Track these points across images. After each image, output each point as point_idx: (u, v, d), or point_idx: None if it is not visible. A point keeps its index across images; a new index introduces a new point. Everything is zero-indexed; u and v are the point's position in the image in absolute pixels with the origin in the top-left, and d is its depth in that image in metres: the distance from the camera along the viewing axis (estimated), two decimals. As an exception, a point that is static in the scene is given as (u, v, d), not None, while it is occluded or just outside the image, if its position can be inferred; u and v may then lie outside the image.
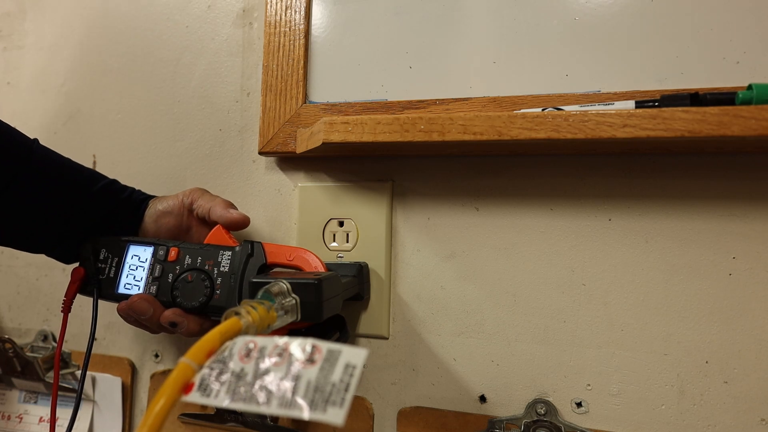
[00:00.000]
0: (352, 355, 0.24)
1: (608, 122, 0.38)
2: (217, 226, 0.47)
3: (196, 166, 0.59)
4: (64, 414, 0.59)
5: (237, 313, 0.29)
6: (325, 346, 0.25)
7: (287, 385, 0.24)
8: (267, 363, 0.25)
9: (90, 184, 0.48)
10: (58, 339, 0.50)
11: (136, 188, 0.52)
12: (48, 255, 0.49)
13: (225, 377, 0.25)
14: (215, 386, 0.25)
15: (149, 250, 0.47)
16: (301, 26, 0.54)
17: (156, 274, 0.46)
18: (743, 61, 0.43)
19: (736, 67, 0.43)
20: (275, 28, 0.55)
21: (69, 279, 0.48)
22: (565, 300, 0.46)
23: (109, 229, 0.49)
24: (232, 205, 0.49)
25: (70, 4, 0.67)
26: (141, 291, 0.46)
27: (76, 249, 0.49)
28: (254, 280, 0.38)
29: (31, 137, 0.48)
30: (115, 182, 0.51)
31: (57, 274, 0.64)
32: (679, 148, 0.43)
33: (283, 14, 0.55)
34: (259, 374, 0.25)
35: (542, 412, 0.46)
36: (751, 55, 0.43)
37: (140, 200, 0.51)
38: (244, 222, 0.47)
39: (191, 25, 0.61)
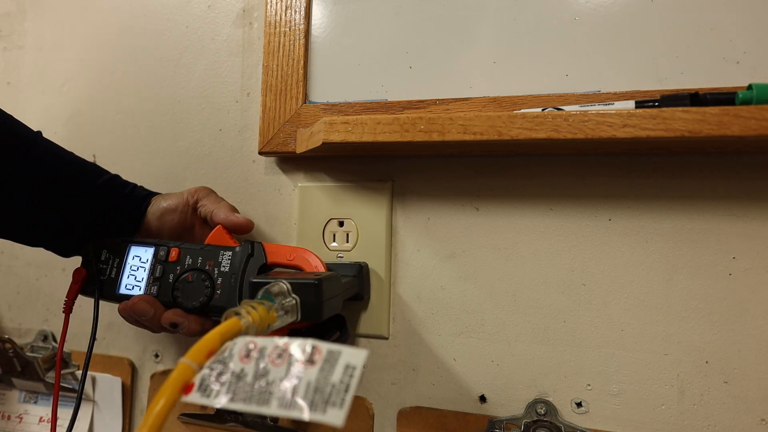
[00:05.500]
0: (352, 355, 0.24)
1: (608, 122, 0.38)
2: (218, 226, 0.47)
3: (196, 166, 0.59)
4: (64, 414, 0.59)
5: (237, 314, 0.29)
6: (325, 346, 0.25)
7: (287, 385, 0.24)
8: (267, 363, 0.25)
9: (93, 178, 0.48)
10: (59, 339, 0.51)
11: (138, 185, 0.52)
12: (47, 248, 0.49)
13: (225, 378, 0.25)
14: (215, 387, 0.25)
15: (150, 250, 0.47)
16: (301, 26, 0.54)
17: (157, 275, 0.46)
18: (743, 61, 0.43)
19: (736, 67, 0.43)
20: (275, 28, 0.55)
21: (69, 279, 0.48)
22: (565, 300, 0.46)
23: (111, 223, 0.49)
24: (236, 210, 0.49)
25: (70, 4, 0.67)
26: (142, 291, 0.46)
27: (76, 242, 0.49)
28: (254, 280, 0.38)
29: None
30: (117, 177, 0.51)
31: (57, 274, 0.64)
32: (679, 148, 0.43)
33: (283, 14, 0.55)
34: (259, 375, 0.25)
35: (542, 412, 0.46)
36: (751, 55, 0.43)
37: (142, 196, 0.51)
38: (247, 226, 0.48)
39: (191, 25, 0.61)
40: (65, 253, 0.50)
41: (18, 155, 0.44)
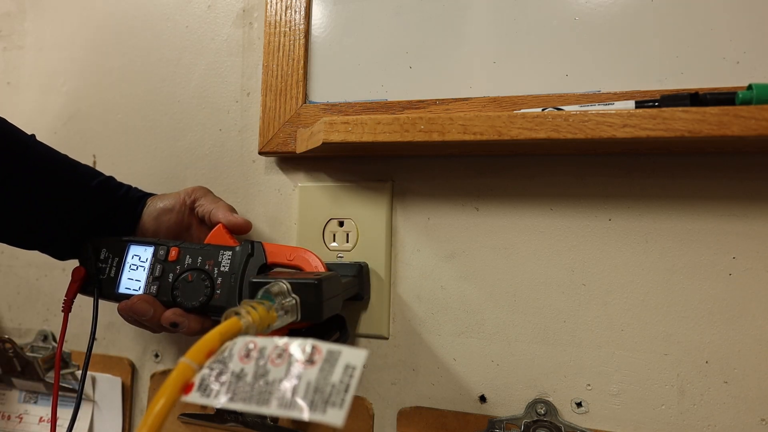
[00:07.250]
0: (352, 356, 0.24)
1: (608, 122, 0.38)
2: (219, 225, 0.47)
3: (196, 166, 0.59)
4: (64, 414, 0.59)
5: (237, 314, 0.29)
6: (324, 346, 0.25)
7: (287, 385, 0.24)
8: (267, 363, 0.25)
9: (87, 181, 0.48)
10: (58, 339, 0.50)
11: (133, 186, 0.52)
12: (42, 251, 0.49)
13: (225, 377, 0.25)
14: (215, 386, 0.25)
15: (150, 249, 0.47)
16: (301, 26, 0.54)
17: (156, 274, 0.46)
18: (743, 61, 0.43)
19: (736, 67, 0.43)
20: (275, 28, 0.55)
21: (69, 279, 0.48)
22: (565, 300, 0.46)
23: (106, 225, 0.49)
24: (234, 210, 0.49)
25: (70, 4, 0.67)
26: (141, 291, 0.46)
27: (71, 245, 0.49)
28: (254, 280, 0.38)
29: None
30: (111, 179, 0.50)
31: (57, 274, 0.64)
32: (679, 148, 0.43)
33: (283, 14, 0.55)
34: (259, 375, 0.25)
35: (542, 412, 0.46)
36: (751, 55, 0.43)
37: (137, 198, 0.51)
38: (246, 227, 0.48)
39: (191, 25, 0.61)
40: (61, 256, 0.49)
41: (12, 159, 0.44)
